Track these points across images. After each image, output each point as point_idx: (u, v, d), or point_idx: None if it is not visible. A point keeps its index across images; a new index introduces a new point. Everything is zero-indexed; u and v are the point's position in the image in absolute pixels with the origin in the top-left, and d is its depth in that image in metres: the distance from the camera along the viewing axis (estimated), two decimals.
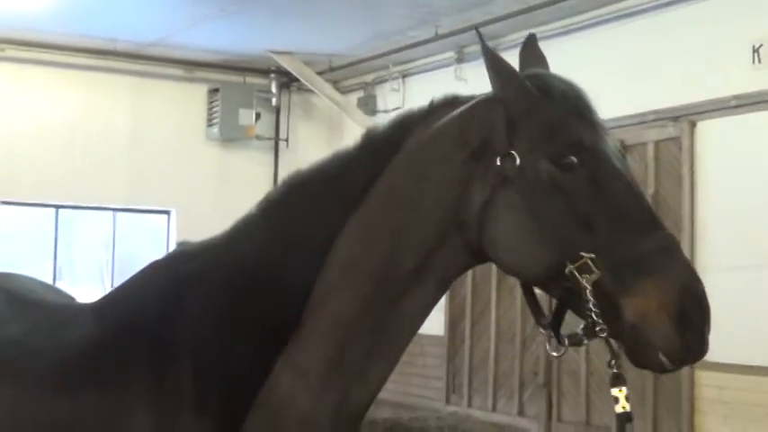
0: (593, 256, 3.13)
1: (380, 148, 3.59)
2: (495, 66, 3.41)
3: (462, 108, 3.53)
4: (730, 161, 12.58)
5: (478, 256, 3.47)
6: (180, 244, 3.92)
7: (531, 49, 3.71)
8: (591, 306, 3.14)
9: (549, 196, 3.24)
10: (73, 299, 4.60)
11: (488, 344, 15.78)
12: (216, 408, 3.39)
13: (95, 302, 4.05)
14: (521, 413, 15.05)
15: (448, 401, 16.19)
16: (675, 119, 13.27)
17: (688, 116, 13.18)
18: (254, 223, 3.72)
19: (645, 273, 3.09)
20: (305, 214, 3.58)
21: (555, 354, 3.36)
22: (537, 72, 3.52)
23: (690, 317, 3.06)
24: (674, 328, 3.05)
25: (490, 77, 3.44)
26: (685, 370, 13.32)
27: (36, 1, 14.88)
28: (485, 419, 15.58)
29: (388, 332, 3.50)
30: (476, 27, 3.54)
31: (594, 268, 3.12)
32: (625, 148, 3.31)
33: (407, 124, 3.62)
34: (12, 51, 17.91)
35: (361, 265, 3.47)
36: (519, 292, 3.86)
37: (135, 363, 3.51)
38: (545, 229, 3.23)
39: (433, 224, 3.44)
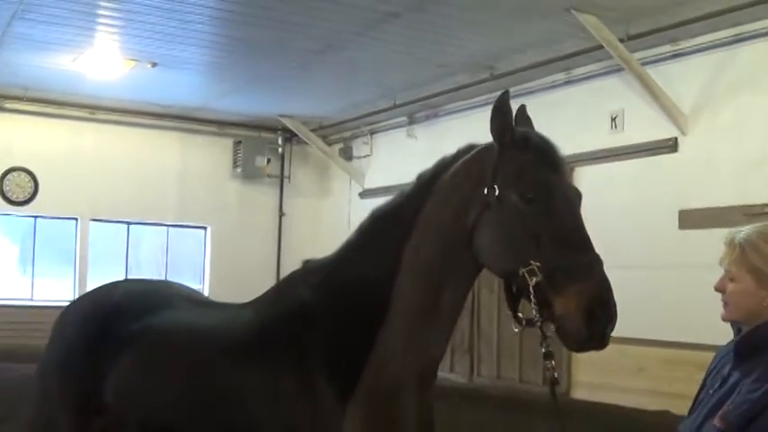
0: (538, 264, 3.18)
1: (424, 184, 3.64)
2: (498, 122, 3.45)
3: (472, 152, 3.60)
4: (597, 194, 12.71)
5: None
6: (305, 262, 3.98)
7: (521, 115, 3.71)
8: (533, 300, 3.22)
9: (514, 220, 3.29)
10: (208, 298, 4.68)
11: None
12: (340, 372, 3.52)
13: (250, 303, 4.14)
14: (451, 370, 15.05)
15: None
16: None
17: (569, 164, 13.24)
18: (351, 246, 3.79)
19: (572, 280, 3.14)
20: (381, 237, 3.67)
21: (516, 330, 3.40)
22: (521, 129, 3.53)
23: (596, 316, 3.11)
24: (584, 322, 3.12)
25: (492, 129, 3.48)
26: None
27: (114, 75, 15.01)
28: None
29: (440, 314, 3.56)
30: (504, 94, 3.55)
31: (539, 273, 3.18)
32: None
33: (442, 165, 3.65)
34: (100, 114, 18.05)
35: (416, 268, 3.54)
36: None
37: (285, 344, 3.64)
38: (509, 243, 3.31)
39: (453, 235, 3.49)
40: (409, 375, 3.55)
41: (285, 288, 3.95)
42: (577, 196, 3.48)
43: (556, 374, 3.40)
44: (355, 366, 3.52)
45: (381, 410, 3.51)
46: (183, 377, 3.89)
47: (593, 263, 3.22)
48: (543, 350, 3.34)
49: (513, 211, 3.30)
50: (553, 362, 3.37)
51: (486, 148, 3.55)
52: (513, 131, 3.46)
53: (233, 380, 3.70)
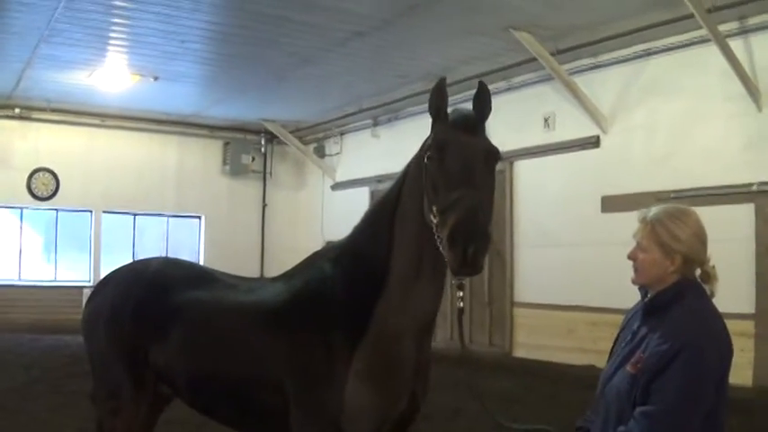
0: (435, 207, 3.17)
1: (404, 170, 3.63)
2: (433, 101, 3.42)
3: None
4: (533, 184, 12.84)
5: None
6: (327, 243, 4.02)
7: (482, 89, 3.53)
8: (437, 239, 3.20)
9: (429, 175, 3.29)
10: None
11: None
12: (350, 326, 3.55)
13: (282, 275, 4.13)
14: None
15: None
16: (502, 160, 13.47)
17: (509, 158, 13.48)
18: (359, 228, 3.79)
19: (449, 215, 3.06)
20: (377, 219, 3.67)
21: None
22: (454, 108, 3.46)
23: (455, 240, 3.01)
24: (448, 247, 3.04)
25: (429, 107, 3.44)
26: (508, 306, 13.60)
27: (122, 88, 15.00)
28: None
29: (426, 276, 3.50)
30: (442, 79, 3.46)
31: (436, 214, 3.15)
32: None
33: (417, 152, 3.61)
34: (110, 122, 18.04)
35: (403, 239, 3.52)
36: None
37: (310, 309, 3.68)
38: (427, 194, 3.30)
39: (419, 204, 3.43)
40: (406, 326, 3.55)
41: (310, 263, 3.96)
42: (480, 149, 3.32)
43: (462, 305, 3.38)
44: (362, 322, 3.55)
45: (382, 353, 3.53)
46: (225, 342, 3.92)
47: (463, 197, 3.09)
48: (453, 282, 3.25)
49: (429, 169, 3.28)
50: (461, 293, 3.33)
51: (431, 128, 3.52)
52: (444, 109, 3.41)
53: (265, 342, 3.74)
